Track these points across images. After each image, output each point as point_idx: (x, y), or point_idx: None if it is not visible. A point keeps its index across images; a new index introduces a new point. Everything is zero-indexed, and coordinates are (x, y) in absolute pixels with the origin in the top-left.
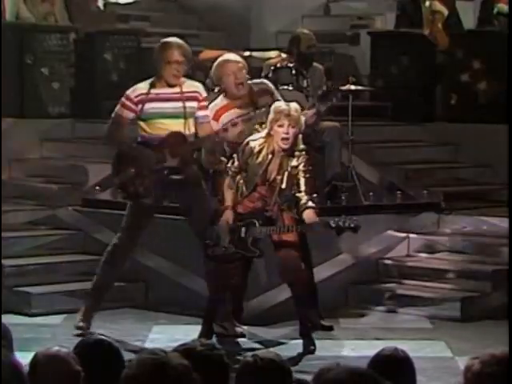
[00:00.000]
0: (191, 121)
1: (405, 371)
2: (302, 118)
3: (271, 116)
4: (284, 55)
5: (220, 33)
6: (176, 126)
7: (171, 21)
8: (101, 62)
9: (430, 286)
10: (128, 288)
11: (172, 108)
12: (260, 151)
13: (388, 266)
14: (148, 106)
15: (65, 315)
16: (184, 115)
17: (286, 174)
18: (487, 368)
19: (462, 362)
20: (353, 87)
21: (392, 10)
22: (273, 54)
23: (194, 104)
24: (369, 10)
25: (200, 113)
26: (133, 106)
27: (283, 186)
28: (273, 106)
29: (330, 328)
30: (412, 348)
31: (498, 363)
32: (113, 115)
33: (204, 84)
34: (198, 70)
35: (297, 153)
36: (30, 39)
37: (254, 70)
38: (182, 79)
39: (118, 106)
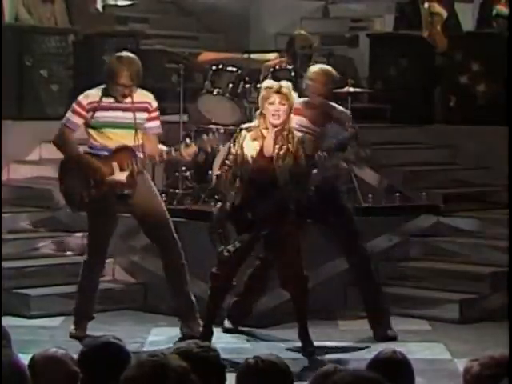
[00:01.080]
0: (140, 132)
1: (403, 373)
2: (294, 95)
3: (262, 94)
4: (283, 57)
5: (219, 35)
6: (126, 136)
7: (170, 23)
8: (99, 63)
9: (429, 288)
10: (127, 290)
11: (122, 118)
12: (254, 132)
13: (387, 268)
14: (99, 114)
15: (63, 317)
16: (134, 126)
17: (283, 150)
18: (486, 370)
19: (460, 364)
20: (351, 89)
21: (391, 11)
22: (272, 55)
23: (145, 115)
24: (367, 12)
25: (148, 124)
26: (83, 113)
27: (280, 163)
28: (263, 85)
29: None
30: (411, 350)
31: (497, 365)
32: (63, 120)
33: (203, 87)
34: (196, 72)
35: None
36: (29, 41)
37: (253, 72)
38: (134, 88)
39: (69, 112)
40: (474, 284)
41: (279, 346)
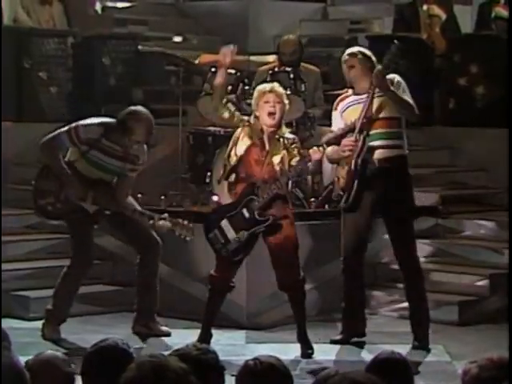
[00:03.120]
0: (122, 178)
1: (402, 375)
2: (285, 97)
3: (255, 95)
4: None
5: (217, 37)
6: (107, 177)
7: (169, 25)
8: (99, 66)
9: (428, 290)
10: (127, 292)
11: (112, 165)
12: (249, 132)
13: (385, 270)
14: (94, 153)
15: None
16: (119, 172)
17: (280, 153)
18: (485, 372)
19: (459, 366)
20: (350, 91)
21: (389, 14)
22: (271, 58)
23: (131, 166)
24: (366, 14)
25: (130, 173)
26: (77, 143)
27: (277, 166)
28: (257, 88)
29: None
30: (410, 352)
31: (496, 367)
32: (55, 136)
33: (202, 89)
34: (195, 75)
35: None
36: (28, 43)
37: (252, 74)
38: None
39: (64, 133)
40: (473, 286)
41: (278, 347)
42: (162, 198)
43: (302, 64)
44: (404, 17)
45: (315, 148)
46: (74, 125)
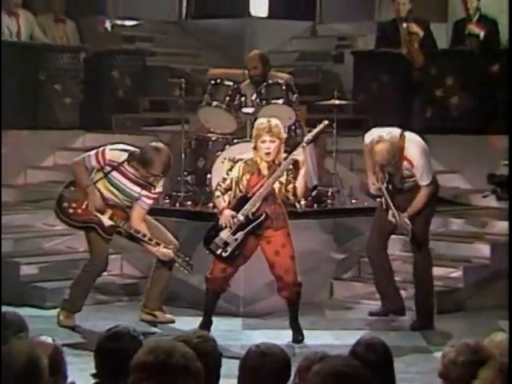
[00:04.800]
0: (138, 203)
1: (383, 358)
2: (282, 129)
3: (254, 132)
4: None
5: (217, 52)
6: (125, 201)
7: (173, 42)
8: (108, 79)
9: (408, 281)
10: (134, 284)
11: (130, 190)
12: (250, 163)
13: (368, 265)
14: (115, 175)
15: None
16: (134, 198)
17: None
18: (461, 356)
19: (436, 351)
20: (337, 102)
21: (372, 31)
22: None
23: (147, 193)
24: (352, 32)
25: (143, 199)
26: (102, 163)
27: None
28: (256, 123)
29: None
30: (391, 338)
31: (472, 352)
32: (84, 157)
33: (202, 100)
34: (197, 87)
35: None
36: (44, 58)
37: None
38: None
39: (92, 154)
40: (449, 278)
41: (272, 333)
42: (167, 198)
43: (272, 73)
44: (386, 34)
45: (299, 149)
46: (101, 148)
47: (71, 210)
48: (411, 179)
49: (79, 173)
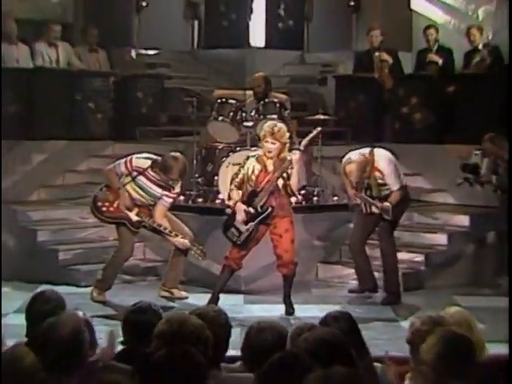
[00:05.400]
0: (160, 202)
1: (349, 326)
2: (286, 134)
3: (262, 132)
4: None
5: (222, 76)
6: (149, 200)
7: (186, 68)
8: (133, 98)
9: (379, 265)
10: (159, 267)
11: (153, 191)
12: (259, 159)
13: (347, 251)
14: (141, 178)
15: None
16: (158, 198)
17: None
18: (425, 326)
19: (403, 321)
20: (322, 117)
21: (351, 59)
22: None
23: (167, 193)
24: (333, 59)
25: (164, 198)
26: (129, 169)
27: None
28: (264, 125)
29: None
30: (366, 311)
31: (433, 322)
32: (116, 164)
33: (211, 115)
34: (206, 105)
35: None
36: (79, 81)
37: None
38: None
39: (122, 161)
40: (413, 261)
41: (268, 307)
42: (182, 197)
43: (273, 93)
44: (361, 61)
45: (294, 151)
46: (129, 157)
47: (104, 208)
48: (386, 187)
49: (111, 178)
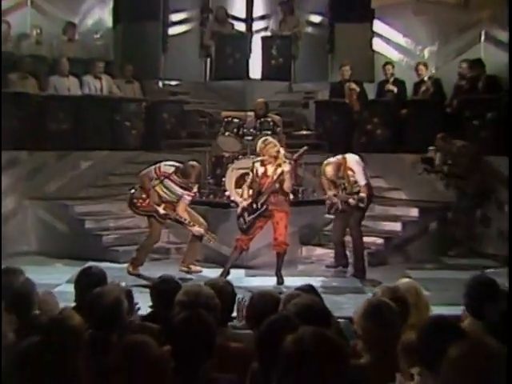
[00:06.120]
0: (182, 199)
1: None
2: (274, 149)
3: (257, 145)
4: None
5: (229, 101)
6: (173, 198)
7: (201, 95)
8: (160, 118)
9: (349, 247)
10: (177, 248)
11: (176, 191)
12: (261, 163)
13: (325, 235)
14: (166, 181)
15: None
16: (180, 196)
17: (275, 175)
18: (385, 294)
19: (369, 291)
20: (305, 132)
21: (327, 88)
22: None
23: (187, 193)
24: (314, 88)
25: (185, 196)
26: (158, 174)
27: (274, 181)
28: (259, 141)
29: None
30: (339, 282)
31: (391, 291)
32: (148, 170)
33: (219, 131)
34: (216, 123)
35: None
36: (118, 105)
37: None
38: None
39: (152, 169)
40: (376, 243)
41: (265, 279)
42: (198, 194)
43: (270, 115)
44: (335, 90)
45: (287, 164)
46: (158, 164)
47: (139, 204)
48: (356, 184)
49: (144, 181)
